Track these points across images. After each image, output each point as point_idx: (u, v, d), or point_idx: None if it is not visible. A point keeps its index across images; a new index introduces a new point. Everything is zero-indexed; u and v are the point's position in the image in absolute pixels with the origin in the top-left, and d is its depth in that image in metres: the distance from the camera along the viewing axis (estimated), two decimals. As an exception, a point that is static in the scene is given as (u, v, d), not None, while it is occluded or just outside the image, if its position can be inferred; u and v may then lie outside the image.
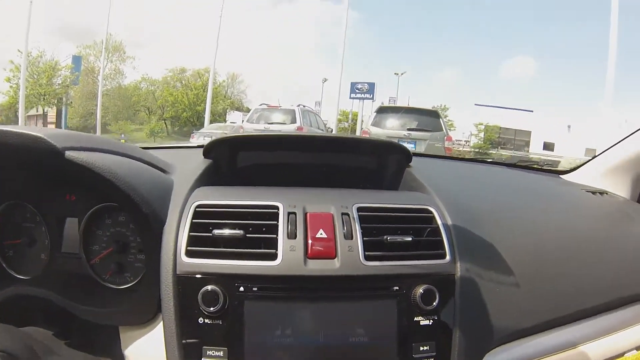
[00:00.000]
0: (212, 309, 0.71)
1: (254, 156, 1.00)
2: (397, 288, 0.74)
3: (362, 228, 0.76)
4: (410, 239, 0.77)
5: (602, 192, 1.16)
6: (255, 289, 0.72)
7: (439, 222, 0.81)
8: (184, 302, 0.73)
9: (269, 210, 0.78)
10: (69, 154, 0.75)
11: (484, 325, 0.80)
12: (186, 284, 0.73)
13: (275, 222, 0.76)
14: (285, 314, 0.72)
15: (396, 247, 0.76)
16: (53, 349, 0.90)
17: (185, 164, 0.96)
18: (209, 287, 0.71)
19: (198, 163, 0.95)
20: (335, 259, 0.73)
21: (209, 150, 0.96)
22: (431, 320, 0.74)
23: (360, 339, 0.72)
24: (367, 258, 0.74)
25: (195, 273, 0.73)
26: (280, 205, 0.78)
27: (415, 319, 0.74)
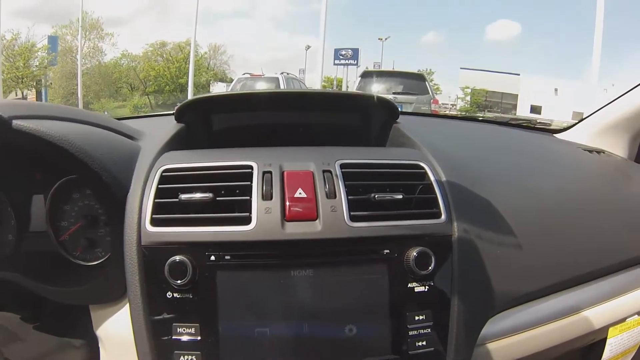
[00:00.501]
0: (179, 281, 0.60)
1: (228, 119, 0.89)
2: (388, 251, 0.63)
3: (346, 186, 0.65)
4: (400, 196, 0.66)
5: (598, 151, 1.05)
6: (227, 257, 0.61)
7: (432, 178, 0.70)
8: (150, 275, 0.63)
9: (241, 170, 0.67)
10: (16, 123, 0.64)
11: (485, 290, 0.70)
12: (152, 255, 0.63)
13: (249, 183, 0.65)
14: (263, 285, 0.61)
15: (385, 206, 0.65)
16: (18, 335, 0.80)
17: (157, 130, 0.85)
18: (177, 258, 0.61)
19: (170, 128, 0.84)
20: (317, 221, 0.62)
21: (181, 113, 0.85)
22: (427, 287, 0.64)
23: (348, 310, 0.62)
24: (352, 219, 0.63)
25: (161, 243, 0.63)
26: (254, 164, 0.67)
27: (409, 285, 0.63)
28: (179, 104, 0.86)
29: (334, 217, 0.62)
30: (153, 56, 21.58)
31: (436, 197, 0.68)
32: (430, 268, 0.63)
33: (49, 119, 0.70)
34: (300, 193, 0.63)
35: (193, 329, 0.61)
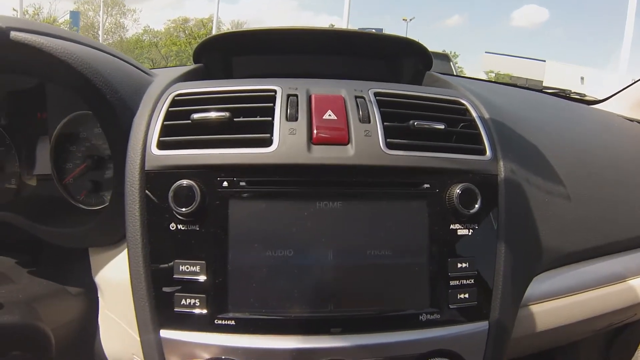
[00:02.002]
0: (184, 209, 0.45)
1: (249, 64, 0.74)
2: (428, 186, 0.48)
3: (381, 113, 0.50)
4: (442, 126, 0.50)
5: (638, 121, 0.89)
6: (242, 183, 0.46)
7: (474, 114, 0.55)
8: (152, 204, 0.48)
9: (263, 93, 0.52)
10: (15, 34, 0.50)
11: (533, 241, 0.55)
12: (155, 181, 0.48)
13: (271, 105, 0.50)
14: (282, 218, 0.46)
15: (425, 136, 0.50)
16: (11, 278, 0.65)
17: (174, 71, 0.71)
18: (184, 182, 0.46)
19: (186, 67, 0.69)
20: (349, 145, 0.47)
21: (199, 53, 0.70)
22: (470, 230, 0.49)
23: (380, 251, 0.47)
24: (389, 146, 0.48)
25: (166, 167, 0.48)
26: (277, 88, 0.52)
27: (452, 227, 0.48)
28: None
29: (368, 142, 0.47)
30: (175, 32, 20.03)
31: (480, 134, 0.53)
32: (476, 207, 0.47)
33: (52, 37, 0.56)
34: (329, 115, 0.48)
35: (198, 267, 0.46)
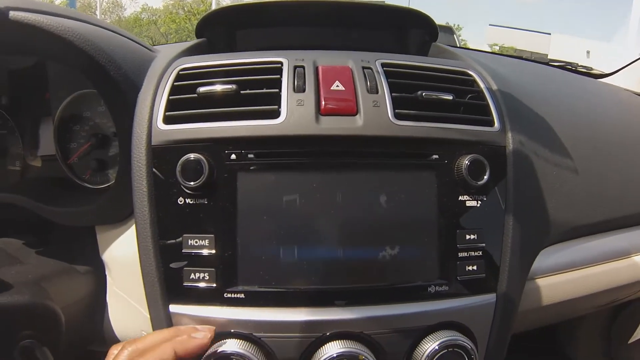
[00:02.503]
0: (193, 183, 0.45)
1: (253, 37, 0.73)
2: (437, 157, 0.47)
3: (389, 83, 0.50)
4: (450, 97, 0.50)
5: (647, 96, 0.88)
6: (250, 155, 0.46)
7: (482, 85, 0.54)
8: (160, 179, 0.47)
9: (270, 65, 0.51)
10: (14, 14, 0.49)
11: (541, 213, 0.54)
12: (162, 156, 0.48)
13: (278, 77, 0.49)
14: (291, 189, 0.46)
15: (433, 107, 0.49)
16: (19, 258, 0.65)
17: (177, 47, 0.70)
18: (192, 156, 0.45)
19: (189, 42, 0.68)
20: (357, 116, 0.47)
21: (202, 27, 0.69)
22: (479, 202, 0.48)
23: (389, 223, 0.46)
24: (397, 116, 0.47)
25: (173, 142, 0.47)
26: (284, 59, 0.51)
27: (460, 198, 0.48)
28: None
29: (377, 112, 0.47)
30: (174, 9, 19.18)
31: (488, 105, 0.52)
32: (484, 178, 0.47)
33: (53, 15, 0.55)
34: (337, 86, 0.48)
35: (207, 241, 0.46)
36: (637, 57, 0.90)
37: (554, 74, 0.86)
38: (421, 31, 0.71)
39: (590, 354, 0.92)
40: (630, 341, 0.70)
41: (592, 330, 0.90)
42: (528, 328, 0.67)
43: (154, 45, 0.83)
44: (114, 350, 0.42)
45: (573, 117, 0.65)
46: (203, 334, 0.44)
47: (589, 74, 1.00)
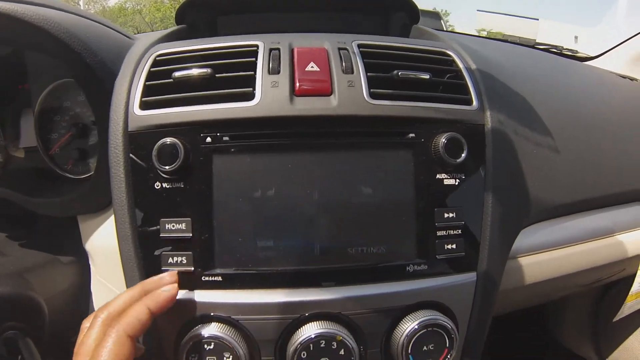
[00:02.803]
0: (168, 167, 0.44)
1: (235, 23, 0.72)
2: (414, 135, 0.47)
3: (365, 64, 0.49)
4: (427, 76, 0.49)
5: (631, 78, 0.88)
6: (226, 138, 0.46)
7: (461, 65, 0.53)
8: (137, 164, 0.47)
9: (246, 49, 0.51)
10: None
11: (520, 193, 0.54)
12: (139, 141, 0.47)
13: (253, 59, 0.49)
14: (267, 171, 0.46)
15: (410, 86, 0.49)
16: (3, 251, 0.65)
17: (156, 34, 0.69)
18: (167, 140, 0.45)
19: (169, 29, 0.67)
20: (332, 96, 0.46)
21: (183, 13, 0.68)
22: (457, 180, 0.48)
23: (366, 202, 0.46)
24: (372, 95, 0.47)
25: (149, 127, 0.47)
26: (259, 42, 0.51)
27: (438, 176, 0.48)
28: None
29: (352, 92, 0.46)
30: None
31: (466, 84, 0.52)
32: (462, 156, 0.47)
33: (28, 4, 0.54)
34: (312, 67, 0.47)
35: (183, 224, 0.46)
36: (621, 41, 0.90)
37: (538, 56, 0.86)
38: (402, 14, 0.70)
39: (578, 335, 0.92)
40: (615, 319, 0.71)
41: (580, 311, 0.90)
42: (513, 309, 0.67)
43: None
44: (85, 324, 0.41)
45: (555, 99, 0.65)
46: (170, 285, 0.44)
47: (574, 56, 0.99)
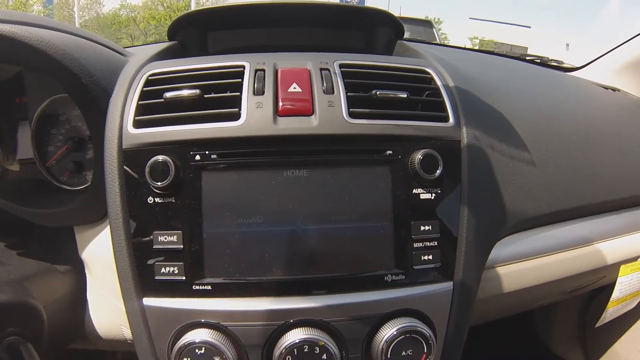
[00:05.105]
0: (160, 183, 0.49)
1: (225, 38, 0.77)
2: (391, 152, 0.52)
3: (345, 84, 0.54)
4: (405, 95, 0.54)
5: (614, 89, 0.92)
6: (214, 156, 0.50)
7: (439, 83, 0.58)
8: (131, 180, 0.52)
9: (232, 70, 0.56)
10: None
11: (496, 205, 0.59)
12: (133, 158, 0.52)
13: (239, 80, 0.54)
14: (252, 187, 0.50)
15: (388, 106, 0.54)
16: (2, 260, 0.69)
17: (150, 49, 0.74)
18: (159, 158, 0.50)
19: (162, 44, 0.72)
20: (313, 116, 0.51)
21: (175, 30, 0.73)
22: (433, 194, 0.53)
23: (347, 216, 0.51)
24: (352, 115, 0.52)
25: (142, 145, 0.52)
26: (246, 63, 0.56)
27: (414, 191, 0.52)
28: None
29: (332, 112, 0.51)
30: (153, 5, 19.16)
31: (443, 101, 0.57)
32: (437, 172, 0.52)
33: (26, 25, 0.59)
34: (294, 88, 0.52)
35: (175, 237, 0.51)
36: (606, 51, 0.94)
37: (521, 69, 0.91)
38: (387, 30, 0.75)
39: (566, 341, 0.97)
40: (597, 325, 0.75)
41: (568, 318, 0.95)
42: (496, 317, 0.72)
43: (133, 46, 0.87)
44: None
45: (534, 111, 0.70)
46: None
47: (559, 67, 1.04)
